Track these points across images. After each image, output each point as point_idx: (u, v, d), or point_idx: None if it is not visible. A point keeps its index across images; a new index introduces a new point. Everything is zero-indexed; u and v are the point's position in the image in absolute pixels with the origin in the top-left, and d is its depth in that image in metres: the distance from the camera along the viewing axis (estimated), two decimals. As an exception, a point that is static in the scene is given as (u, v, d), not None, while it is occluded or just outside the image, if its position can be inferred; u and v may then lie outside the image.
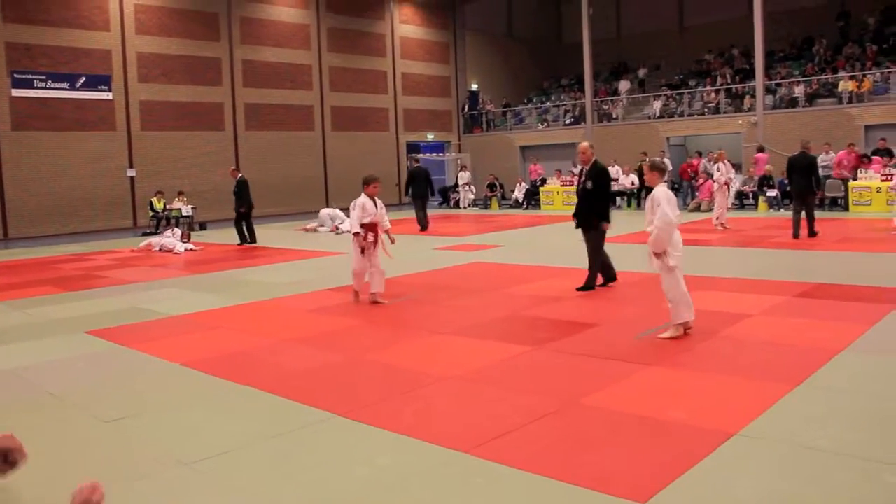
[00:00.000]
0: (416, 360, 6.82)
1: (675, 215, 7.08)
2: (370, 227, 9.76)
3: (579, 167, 10.38)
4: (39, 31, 23.15)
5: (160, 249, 17.52)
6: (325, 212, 22.26)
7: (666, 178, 7.58)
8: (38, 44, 23.15)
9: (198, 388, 6.27)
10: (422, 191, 21.27)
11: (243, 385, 6.21)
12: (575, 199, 10.40)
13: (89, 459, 4.78)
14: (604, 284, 10.15)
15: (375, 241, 9.82)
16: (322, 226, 21.56)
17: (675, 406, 5.23)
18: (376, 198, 9.83)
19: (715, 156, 19.39)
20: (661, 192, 7.19)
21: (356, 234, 9.69)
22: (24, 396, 6.22)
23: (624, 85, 33.66)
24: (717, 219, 17.52)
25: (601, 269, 10.14)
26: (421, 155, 33.89)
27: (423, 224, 20.55)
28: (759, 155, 23.67)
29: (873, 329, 7.24)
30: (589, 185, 9.90)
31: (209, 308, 9.96)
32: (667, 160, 24.61)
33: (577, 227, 10.14)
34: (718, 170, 18.40)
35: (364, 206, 9.72)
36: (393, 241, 10.10)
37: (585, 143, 10.30)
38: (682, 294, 7.15)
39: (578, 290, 9.89)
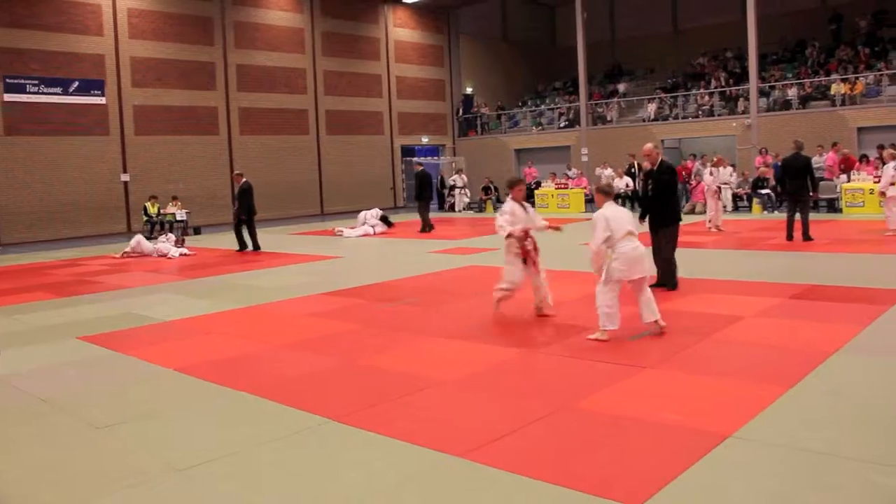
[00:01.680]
0: (411, 364, 6.81)
1: (618, 234, 7.28)
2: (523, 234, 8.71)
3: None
4: (32, 35, 23.12)
5: (156, 255, 17.47)
6: (363, 214, 21.93)
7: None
8: (31, 48, 23.12)
9: (192, 394, 6.24)
10: (428, 194, 21.38)
11: (238, 390, 6.19)
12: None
13: (81, 466, 4.75)
14: (656, 285, 9.86)
15: (535, 248, 8.74)
16: (353, 227, 21.20)
17: (669, 408, 5.23)
18: (524, 202, 8.88)
19: (714, 160, 19.49)
20: (599, 214, 7.43)
21: (509, 235, 8.60)
22: (16, 403, 6.19)
23: (612, 101, 33.50)
24: (710, 221, 17.55)
25: (658, 269, 10.07)
26: (416, 158, 33.92)
27: (429, 226, 20.57)
28: (769, 157, 23.59)
29: (867, 330, 7.25)
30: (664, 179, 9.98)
31: (204, 313, 9.93)
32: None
33: (652, 226, 10.10)
34: (711, 174, 18.46)
35: (514, 213, 8.68)
36: (559, 229, 9.04)
37: (650, 145, 10.31)
38: (606, 306, 7.29)
39: (669, 289, 9.76)
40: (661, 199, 9.99)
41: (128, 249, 17.87)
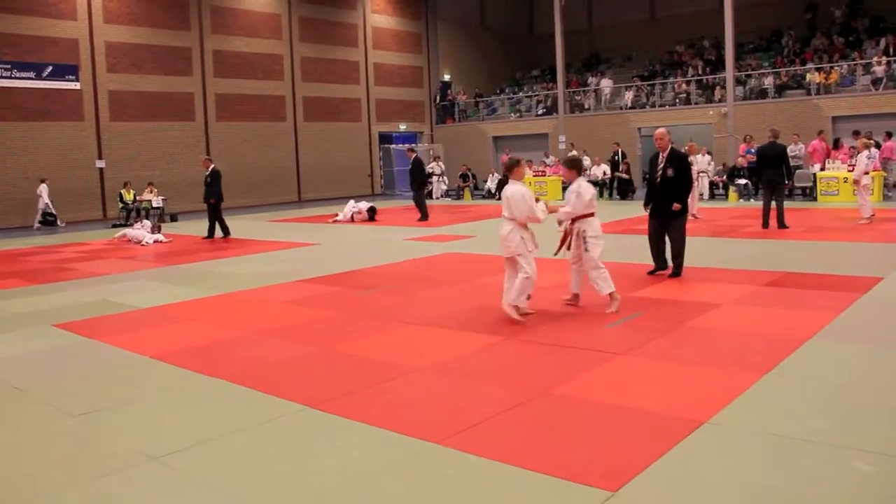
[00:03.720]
0: (388, 352, 6.80)
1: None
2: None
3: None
4: (4, 18, 22.79)
5: (133, 241, 17.35)
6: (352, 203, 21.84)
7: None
8: (3, 32, 22.77)
9: (167, 381, 6.20)
10: (425, 180, 21.02)
11: (214, 377, 6.16)
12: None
13: (56, 455, 4.71)
14: (654, 272, 10.02)
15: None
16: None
17: (645, 395, 5.26)
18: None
19: (686, 149, 19.55)
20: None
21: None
22: (-10, 391, 6.13)
23: (606, 83, 32.72)
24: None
25: (658, 258, 10.01)
26: (393, 146, 33.81)
27: (426, 214, 20.25)
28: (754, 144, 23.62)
29: (841, 317, 7.33)
30: (670, 172, 9.67)
31: (180, 300, 9.86)
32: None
33: (660, 215, 9.88)
34: (692, 162, 18.53)
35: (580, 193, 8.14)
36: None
37: (662, 129, 10.03)
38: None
39: (671, 276, 9.76)
40: (686, 189, 9.84)
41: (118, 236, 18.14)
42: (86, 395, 5.88)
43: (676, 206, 9.66)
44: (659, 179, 9.84)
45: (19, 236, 20.41)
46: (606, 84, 31.62)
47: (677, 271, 9.88)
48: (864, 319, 7.33)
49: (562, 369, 6.02)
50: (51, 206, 22.79)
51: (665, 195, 9.77)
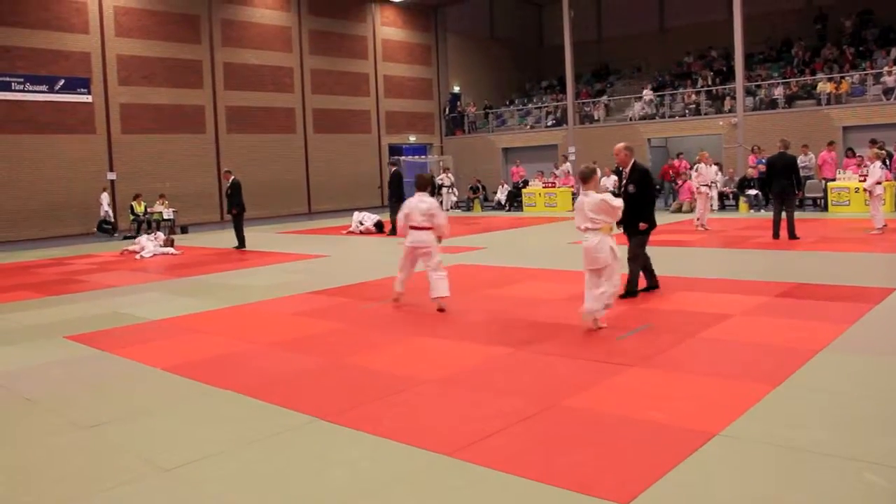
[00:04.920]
0: (399, 363, 6.80)
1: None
2: None
3: (618, 167, 10.00)
4: (17, 32, 22.97)
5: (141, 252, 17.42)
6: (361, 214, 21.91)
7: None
8: (16, 45, 22.97)
9: (178, 393, 6.21)
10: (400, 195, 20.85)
11: (224, 389, 6.17)
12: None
13: (67, 466, 4.72)
14: (646, 289, 9.63)
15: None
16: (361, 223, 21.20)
17: (656, 407, 5.24)
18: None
19: (697, 158, 19.53)
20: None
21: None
22: (0, 403, 6.14)
23: (647, 94, 31.56)
24: (698, 220, 17.62)
25: (645, 274, 9.63)
26: (404, 157, 33.85)
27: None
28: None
29: (852, 329, 7.29)
30: (631, 188, 9.31)
31: (190, 312, 9.88)
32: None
33: (625, 231, 9.52)
34: (697, 171, 18.56)
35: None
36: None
37: (620, 145, 9.57)
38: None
39: (621, 297, 8.88)
40: (649, 205, 9.41)
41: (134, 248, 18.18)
42: (96, 407, 5.89)
43: (643, 225, 9.29)
44: (622, 196, 9.25)
45: (29, 248, 20.50)
46: (648, 95, 31.29)
47: (626, 290, 9.24)
48: (876, 330, 7.29)
49: (572, 381, 6.00)
50: (111, 214, 24.07)
51: (632, 212, 9.19)
